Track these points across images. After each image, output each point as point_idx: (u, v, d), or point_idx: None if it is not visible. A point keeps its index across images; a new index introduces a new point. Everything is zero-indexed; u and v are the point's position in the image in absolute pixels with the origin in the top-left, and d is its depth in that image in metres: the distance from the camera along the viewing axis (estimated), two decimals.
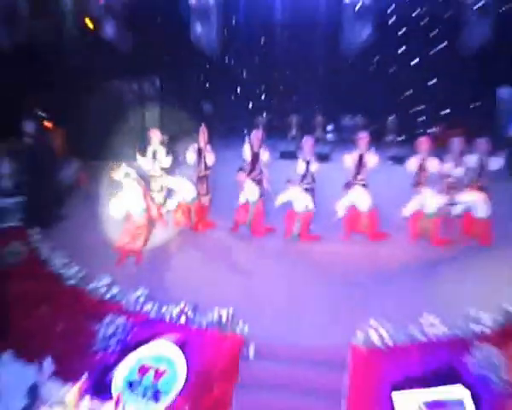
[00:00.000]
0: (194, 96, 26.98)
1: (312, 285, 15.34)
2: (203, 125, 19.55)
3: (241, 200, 17.99)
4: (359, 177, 18.72)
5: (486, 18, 18.00)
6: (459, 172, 18.18)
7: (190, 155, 19.09)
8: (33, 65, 19.96)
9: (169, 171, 19.43)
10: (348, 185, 17.88)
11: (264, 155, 19.42)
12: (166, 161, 19.13)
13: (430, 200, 17.40)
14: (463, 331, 12.96)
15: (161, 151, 19.07)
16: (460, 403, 11.71)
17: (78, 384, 11.84)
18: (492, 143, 18.95)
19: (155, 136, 19.27)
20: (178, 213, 18.35)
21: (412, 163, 18.58)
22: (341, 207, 17.67)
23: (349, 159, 18.82)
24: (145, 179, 17.89)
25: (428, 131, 24.65)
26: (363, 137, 19.14)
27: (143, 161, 18.95)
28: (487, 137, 18.82)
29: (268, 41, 25.18)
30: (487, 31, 19.25)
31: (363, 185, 18.67)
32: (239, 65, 26.61)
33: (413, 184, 17.88)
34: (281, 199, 17.68)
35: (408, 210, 17.53)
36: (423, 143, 18.72)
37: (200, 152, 19.02)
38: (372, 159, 18.58)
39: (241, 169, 18.14)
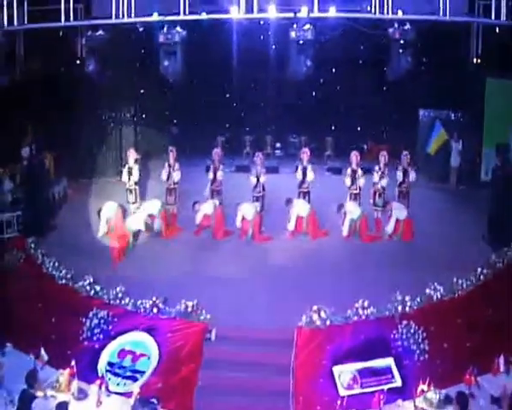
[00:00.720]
0: (163, 121, 26.98)
1: (263, 278, 15.39)
2: (172, 147, 19.64)
3: (200, 215, 18.07)
4: (304, 185, 18.97)
5: (410, 51, 18.10)
6: (385, 182, 18.38)
7: (163, 173, 19.09)
8: (27, 99, 19.83)
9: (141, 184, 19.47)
10: (288, 201, 17.98)
11: (219, 173, 19.52)
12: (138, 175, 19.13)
13: (353, 209, 17.79)
14: (390, 312, 13.15)
15: (136, 168, 19.04)
16: (387, 369, 12.01)
17: (68, 369, 11.80)
18: (414, 157, 19.20)
19: (131, 155, 19.25)
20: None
21: (347, 179, 18.72)
22: (291, 223, 17.90)
23: (299, 172, 19.04)
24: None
25: (360, 146, 24.81)
26: (305, 151, 19.44)
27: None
28: (410, 152, 19.09)
29: (225, 72, 25.21)
30: (410, 61, 19.34)
31: (307, 192, 19.00)
32: (200, 93, 26.58)
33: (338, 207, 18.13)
34: (238, 218, 17.82)
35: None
36: (354, 157, 18.90)
37: (169, 169, 19.04)
38: (310, 174, 18.80)
39: (195, 203, 18.16)
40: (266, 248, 17.37)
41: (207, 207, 18.06)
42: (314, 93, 26.81)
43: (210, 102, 26.70)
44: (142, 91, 25.83)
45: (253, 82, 26.23)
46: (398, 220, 17.59)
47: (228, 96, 27.29)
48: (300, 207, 17.93)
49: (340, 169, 23.27)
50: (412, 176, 18.49)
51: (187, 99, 26.28)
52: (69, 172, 21.47)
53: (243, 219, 17.81)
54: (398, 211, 17.65)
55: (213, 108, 26.83)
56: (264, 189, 19.20)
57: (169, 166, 19.06)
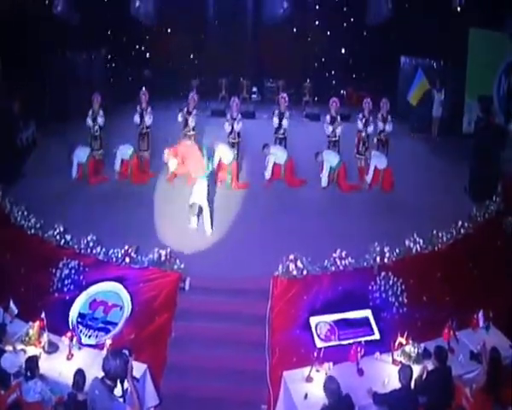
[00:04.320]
0: (136, 64, 26.65)
1: (238, 226, 15.34)
2: (144, 89, 19.28)
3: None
4: (280, 132, 18.68)
5: None
6: (370, 129, 18.24)
7: (136, 116, 18.69)
8: None
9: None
10: (265, 146, 17.86)
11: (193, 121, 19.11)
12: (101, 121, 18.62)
13: (331, 158, 17.69)
14: (368, 263, 13.20)
15: (100, 114, 18.59)
16: (365, 321, 12.12)
17: (38, 322, 11.66)
18: (395, 106, 19.07)
19: (96, 100, 18.76)
20: (121, 169, 18.08)
21: (327, 126, 18.53)
22: (268, 170, 17.82)
23: (275, 118, 18.72)
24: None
25: (338, 93, 24.72)
26: (283, 97, 19.16)
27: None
28: (390, 100, 18.93)
29: (199, 13, 25.05)
30: (391, 7, 19.18)
31: (283, 138, 18.73)
32: (174, 34, 26.31)
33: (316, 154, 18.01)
34: (215, 160, 17.63)
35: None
36: (333, 103, 18.60)
37: (141, 113, 18.71)
38: (285, 121, 18.49)
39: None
40: (243, 196, 17.26)
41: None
42: (292, 37, 26.67)
43: (183, 44, 26.47)
44: (112, 33, 25.47)
45: (229, 24, 26.04)
46: (377, 169, 17.55)
47: (202, 37, 27.07)
48: (278, 154, 17.82)
49: (318, 115, 23.30)
50: (389, 125, 18.28)
51: (159, 40, 26.03)
52: (38, 117, 21.00)
53: (220, 161, 17.65)
54: (378, 159, 17.59)
55: (187, 49, 26.61)
56: (239, 135, 18.84)
57: (141, 109, 18.70)
